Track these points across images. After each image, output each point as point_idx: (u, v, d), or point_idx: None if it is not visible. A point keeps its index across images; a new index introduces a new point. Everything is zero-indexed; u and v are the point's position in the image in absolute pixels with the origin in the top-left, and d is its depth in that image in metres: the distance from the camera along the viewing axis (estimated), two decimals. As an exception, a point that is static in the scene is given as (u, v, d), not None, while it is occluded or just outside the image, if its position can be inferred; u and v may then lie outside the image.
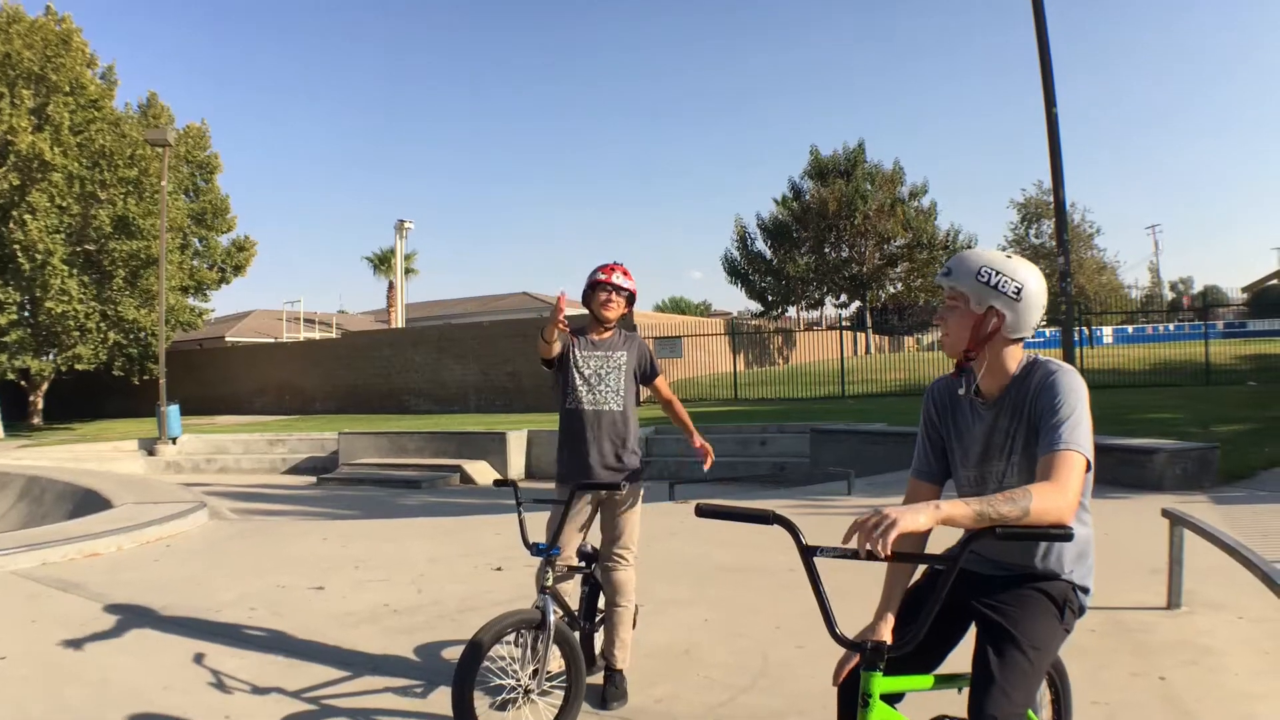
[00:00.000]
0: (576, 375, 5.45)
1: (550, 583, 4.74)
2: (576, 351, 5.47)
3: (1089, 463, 2.82)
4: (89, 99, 33.87)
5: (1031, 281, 3.01)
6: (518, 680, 4.56)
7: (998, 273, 2.99)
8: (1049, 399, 2.92)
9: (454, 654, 6.13)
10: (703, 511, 3.02)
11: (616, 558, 5.33)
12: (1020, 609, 2.97)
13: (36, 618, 7.35)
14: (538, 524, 5.05)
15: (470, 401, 35.19)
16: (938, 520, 2.51)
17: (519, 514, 4.94)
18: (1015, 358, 3.09)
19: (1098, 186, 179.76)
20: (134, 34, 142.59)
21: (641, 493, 5.49)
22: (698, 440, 5.60)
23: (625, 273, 5.46)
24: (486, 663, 4.43)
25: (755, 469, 20.35)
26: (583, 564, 5.47)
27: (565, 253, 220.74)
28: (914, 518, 2.45)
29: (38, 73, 32.60)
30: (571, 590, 5.40)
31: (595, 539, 5.46)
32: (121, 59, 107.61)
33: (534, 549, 4.87)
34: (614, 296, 5.43)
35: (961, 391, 3.16)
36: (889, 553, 2.42)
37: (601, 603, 5.47)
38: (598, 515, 5.49)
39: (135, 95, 68.98)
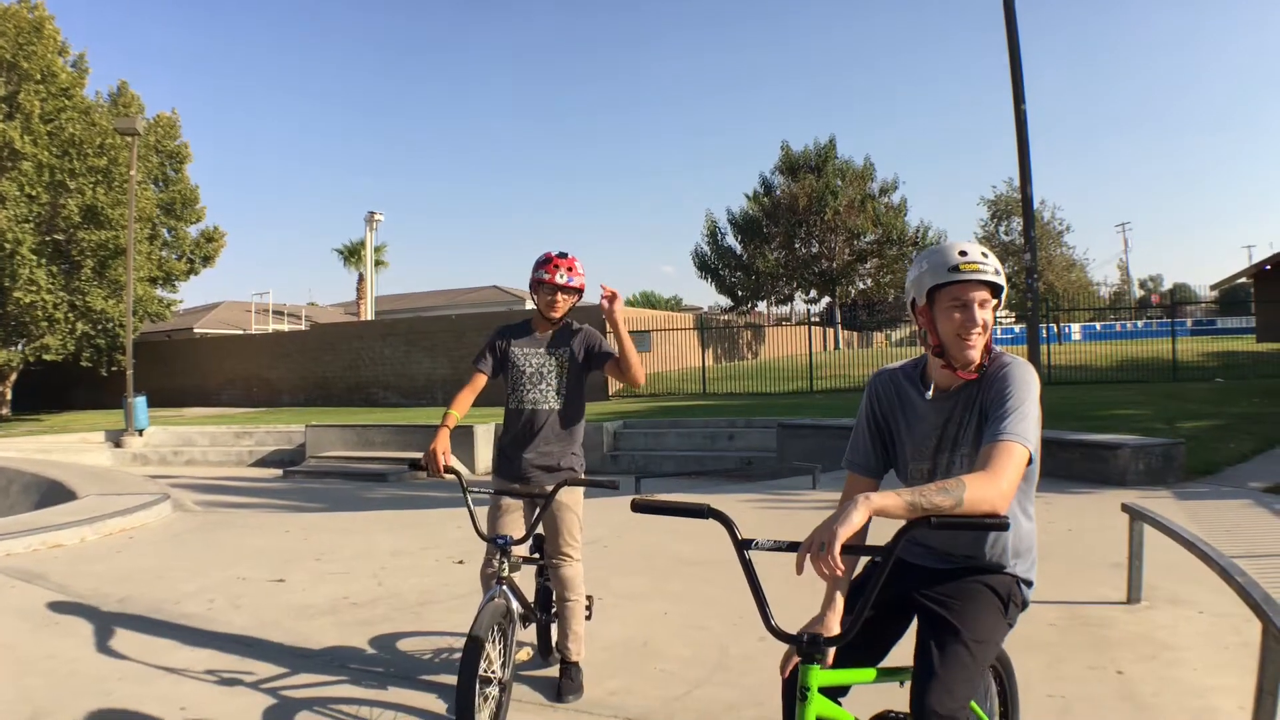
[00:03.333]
0: (518, 374, 5.27)
1: (506, 573, 4.64)
2: (517, 349, 5.30)
3: (1031, 455, 2.79)
4: (60, 87, 33.53)
5: None
6: (496, 676, 4.44)
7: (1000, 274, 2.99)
8: (999, 389, 2.91)
9: (411, 646, 6.14)
10: (638, 507, 3.00)
11: (561, 555, 5.19)
12: (964, 603, 2.96)
13: (-2, 608, 7.30)
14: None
15: (438, 395, 35.01)
16: (870, 512, 2.50)
17: (468, 506, 4.77)
18: None
19: (1069, 184, 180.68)
20: (105, 22, 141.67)
21: (581, 489, 5.22)
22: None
23: (572, 267, 5.15)
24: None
25: (722, 463, 20.30)
26: (536, 555, 5.44)
27: (537, 246, 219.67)
28: (848, 522, 2.45)
29: (9, 60, 32.28)
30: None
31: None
32: (92, 47, 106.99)
33: (491, 540, 4.78)
34: (559, 296, 5.19)
35: (930, 395, 3.13)
36: (841, 568, 2.44)
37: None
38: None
39: (106, 84, 68.48)
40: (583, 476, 5.26)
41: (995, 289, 2.98)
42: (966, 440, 3.02)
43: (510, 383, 5.29)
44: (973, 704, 2.96)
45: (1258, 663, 3.97)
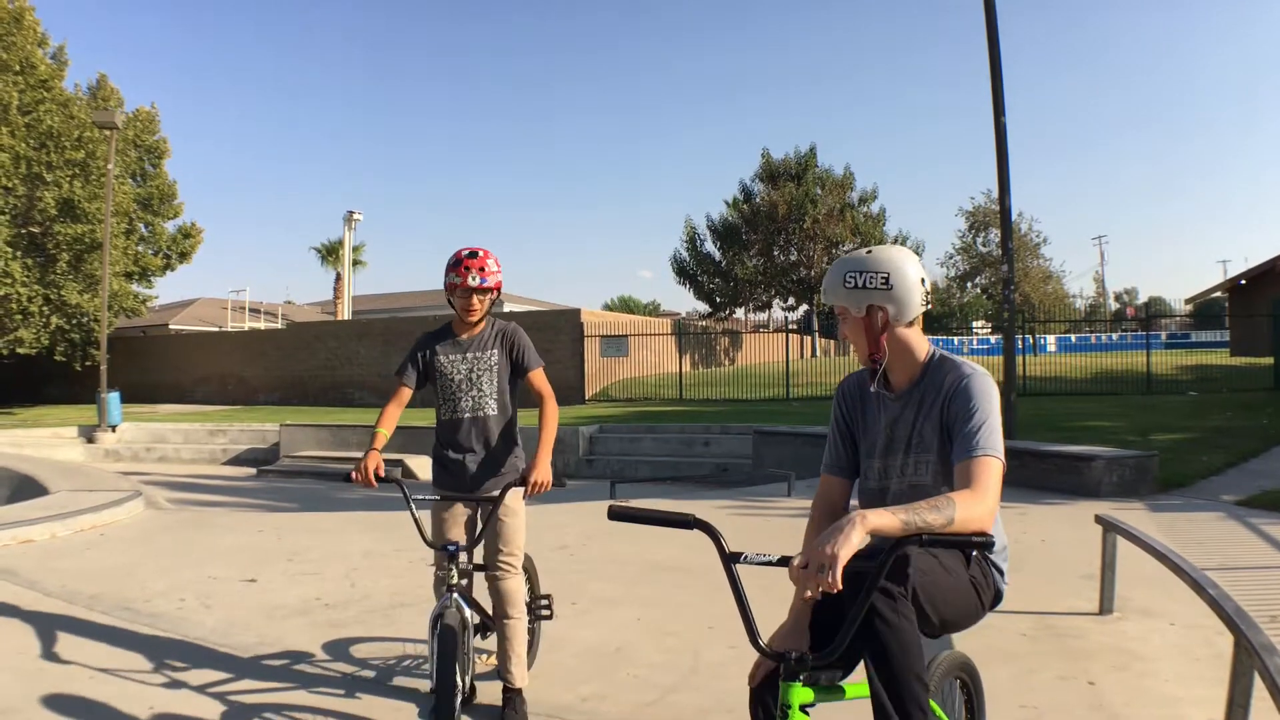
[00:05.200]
0: (447, 383, 5.01)
1: (456, 579, 4.54)
2: (443, 357, 5.03)
3: (1004, 465, 2.89)
4: (39, 79, 33.31)
5: (898, 267, 3.08)
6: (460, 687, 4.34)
7: (860, 273, 3.08)
8: (963, 404, 2.98)
9: (382, 650, 6.11)
10: (616, 514, 2.93)
11: (502, 565, 4.91)
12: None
13: (-35, 604, 7.25)
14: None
15: (415, 396, 34.87)
16: (867, 532, 2.51)
17: (411, 513, 4.64)
18: (920, 344, 3.16)
19: (1047, 197, 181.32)
20: (85, 14, 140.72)
21: (522, 494, 4.89)
22: (537, 467, 4.65)
23: (484, 267, 4.81)
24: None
25: (698, 469, 20.30)
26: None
27: (517, 249, 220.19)
28: (849, 544, 2.45)
29: (-12, 52, 32.12)
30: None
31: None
32: (72, 39, 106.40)
33: (441, 548, 4.67)
34: (474, 298, 4.88)
35: (873, 388, 3.23)
36: (840, 588, 2.43)
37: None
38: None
39: (85, 76, 68.14)
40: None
41: (842, 305, 3.16)
42: (922, 445, 3.11)
43: (441, 392, 5.06)
44: (935, 706, 2.96)
45: (1229, 675, 3.99)
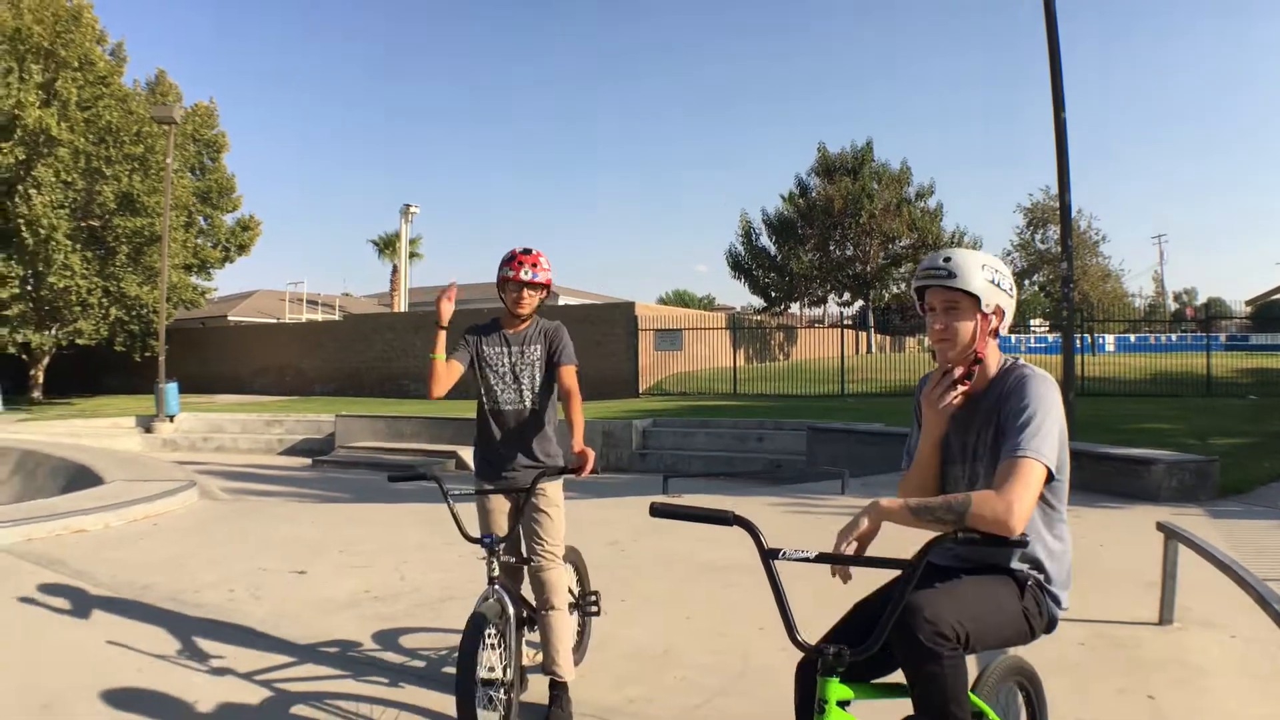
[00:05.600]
0: (491, 374, 5.12)
1: (496, 572, 4.59)
2: (488, 349, 5.13)
3: (1051, 471, 2.80)
4: (98, 75, 33.85)
5: (1009, 277, 3.06)
6: (498, 679, 4.38)
7: (997, 271, 3.00)
8: (1016, 403, 2.90)
9: (430, 642, 6.12)
10: (657, 511, 2.97)
11: (543, 556, 5.00)
12: (972, 574, 2.97)
13: (17, 594, 7.31)
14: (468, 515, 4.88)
15: (470, 388, 34.99)
16: (876, 518, 2.68)
17: (449, 506, 4.69)
18: (996, 352, 3.09)
19: (1106, 194, 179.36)
20: (143, 11, 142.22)
21: (561, 486, 5.10)
22: (578, 444, 4.74)
23: (536, 263, 4.97)
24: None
25: (751, 464, 20.23)
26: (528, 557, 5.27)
27: (573, 242, 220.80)
28: (856, 529, 2.64)
29: (47, 48, 32.55)
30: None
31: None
32: (131, 35, 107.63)
33: (479, 541, 4.68)
34: (525, 292, 5.00)
35: (957, 392, 3.09)
36: (849, 573, 2.60)
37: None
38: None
39: (144, 73, 68.81)
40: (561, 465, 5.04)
41: (965, 294, 3.00)
42: (983, 453, 3.03)
43: (483, 383, 5.15)
44: (988, 709, 2.88)
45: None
